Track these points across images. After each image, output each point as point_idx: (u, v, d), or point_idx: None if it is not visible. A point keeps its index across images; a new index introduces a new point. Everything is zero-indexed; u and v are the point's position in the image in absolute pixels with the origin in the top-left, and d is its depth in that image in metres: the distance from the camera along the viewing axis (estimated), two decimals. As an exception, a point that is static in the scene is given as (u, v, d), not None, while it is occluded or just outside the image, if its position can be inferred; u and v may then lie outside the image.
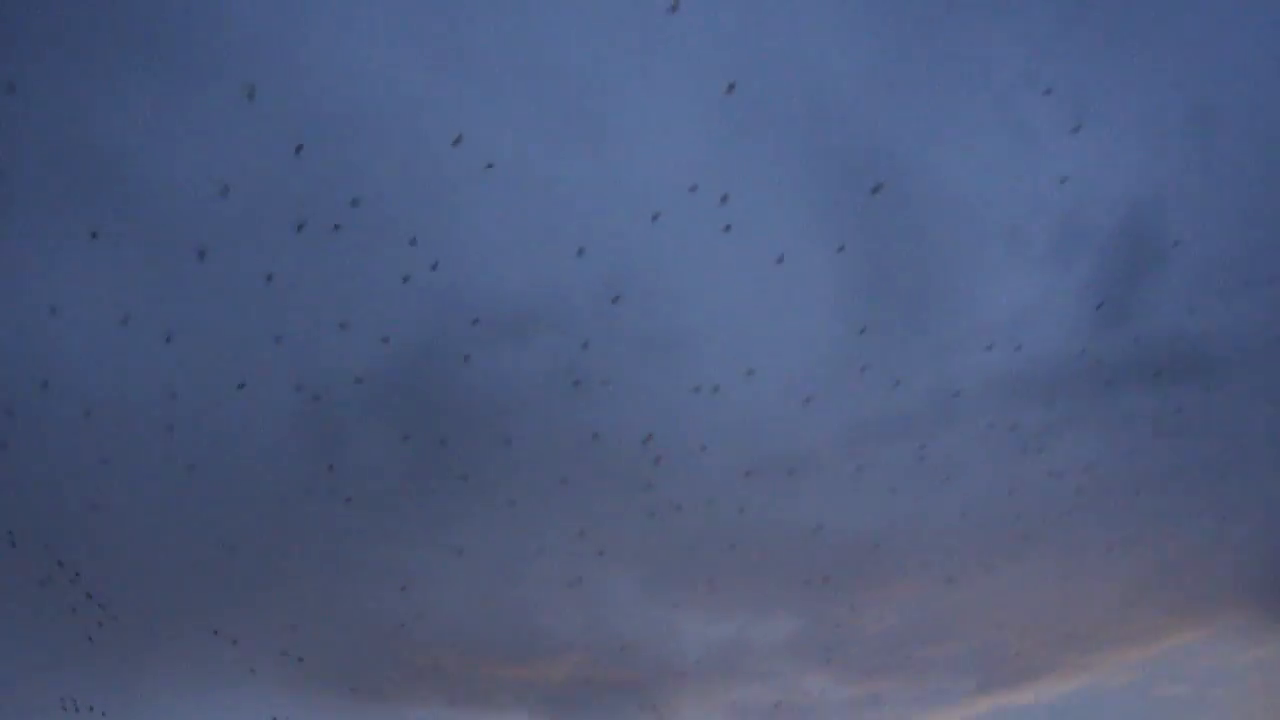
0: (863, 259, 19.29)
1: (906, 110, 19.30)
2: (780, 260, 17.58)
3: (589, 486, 18.74)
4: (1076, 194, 19.95)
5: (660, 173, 17.56)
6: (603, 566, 19.52)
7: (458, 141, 15.61)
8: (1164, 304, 20.57)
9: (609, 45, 18.92)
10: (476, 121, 18.56)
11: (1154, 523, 21.70)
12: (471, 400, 18.01)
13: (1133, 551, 22.11)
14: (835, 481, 19.39)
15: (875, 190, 17.43)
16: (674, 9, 15.75)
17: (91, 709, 18.17)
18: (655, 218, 15.97)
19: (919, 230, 19.00)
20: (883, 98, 19.33)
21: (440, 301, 17.87)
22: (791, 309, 18.68)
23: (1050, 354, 20.03)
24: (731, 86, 16.97)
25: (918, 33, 19.73)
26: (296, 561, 18.33)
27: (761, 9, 19.21)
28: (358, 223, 18.35)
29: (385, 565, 18.77)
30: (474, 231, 17.95)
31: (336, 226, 18.12)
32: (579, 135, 19.07)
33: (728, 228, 16.07)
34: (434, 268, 17.20)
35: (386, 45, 18.67)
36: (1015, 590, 21.91)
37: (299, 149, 15.61)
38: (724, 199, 15.80)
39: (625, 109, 18.75)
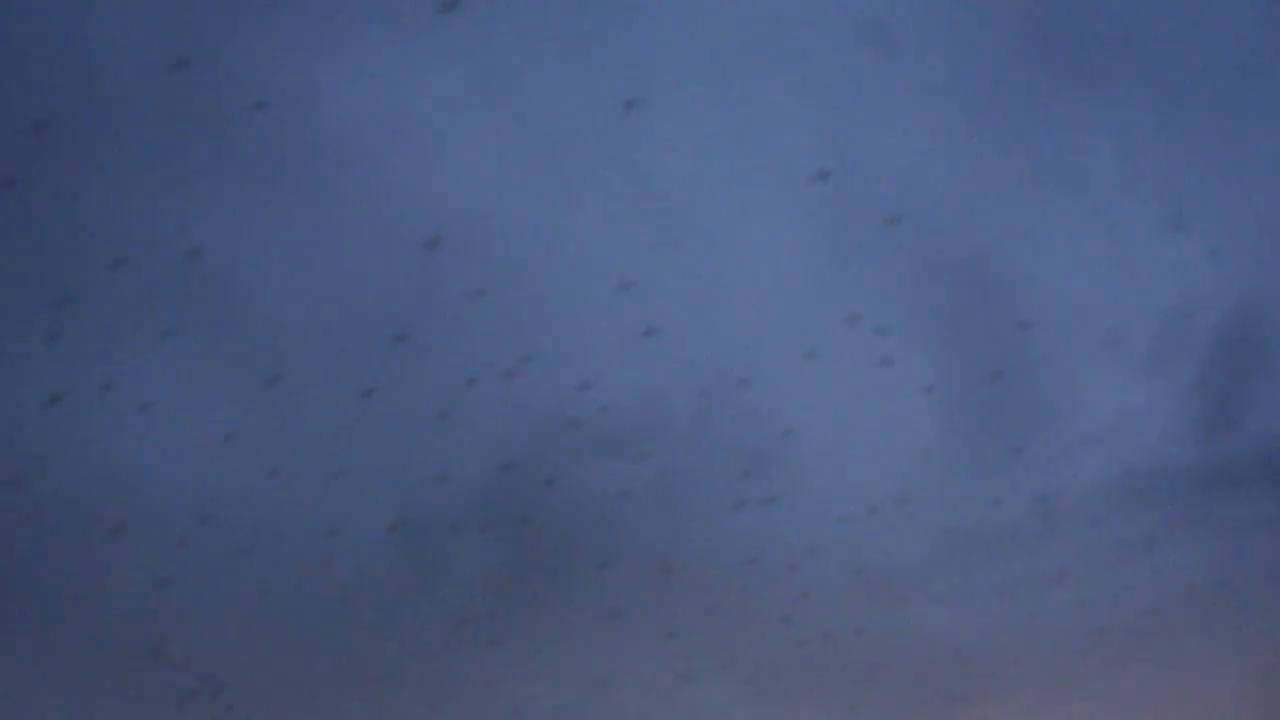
0: (961, 367, 19.10)
1: (1002, 216, 19.21)
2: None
3: (684, 597, 18.54)
4: (1178, 297, 19.67)
5: (754, 291, 17.59)
6: (699, 678, 19.21)
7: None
8: (1271, 407, 20.11)
9: (699, 156, 19.09)
10: (574, 240, 18.77)
11: (1258, 634, 21.01)
12: (572, 514, 17.97)
13: (1242, 659, 21.40)
14: (936, 594, 19.04)
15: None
16: None
17: None
18: (807, 357, 15.93)
19: (1019, 340, 18.76)
20: (978, 204, 19.26)
21: (539, 417, 17.90)
22: (890, 420, 18.48)
23: (1153, 461, 19.60)
24: (824, 174, 16.90)
25: (1011, 137, 19.71)
26: (398, 683, 18.23)
27: (852, 118, 19.30)
28: (454, 341, 18.51)
29: (486, 685, 18.62)
30: (572, 348, 18.00)
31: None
32: (670, 243, 19.16)
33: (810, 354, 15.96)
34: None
35: (478, 162, 18.96)
36: (1120, 706, 21.25)
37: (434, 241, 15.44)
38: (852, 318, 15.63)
39: (716, 218, 18.84)
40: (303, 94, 18.07)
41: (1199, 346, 19.82)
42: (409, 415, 18.29)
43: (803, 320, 18.34)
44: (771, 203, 18.68)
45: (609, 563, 17.91)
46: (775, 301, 18.07)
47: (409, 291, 19.01)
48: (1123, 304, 19.60)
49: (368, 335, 18.81)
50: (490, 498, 18.39)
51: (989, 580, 19.28)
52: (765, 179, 18.84)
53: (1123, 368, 19.32)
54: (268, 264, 18.75)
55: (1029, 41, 19.52)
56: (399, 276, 19.17)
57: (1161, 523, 19.90)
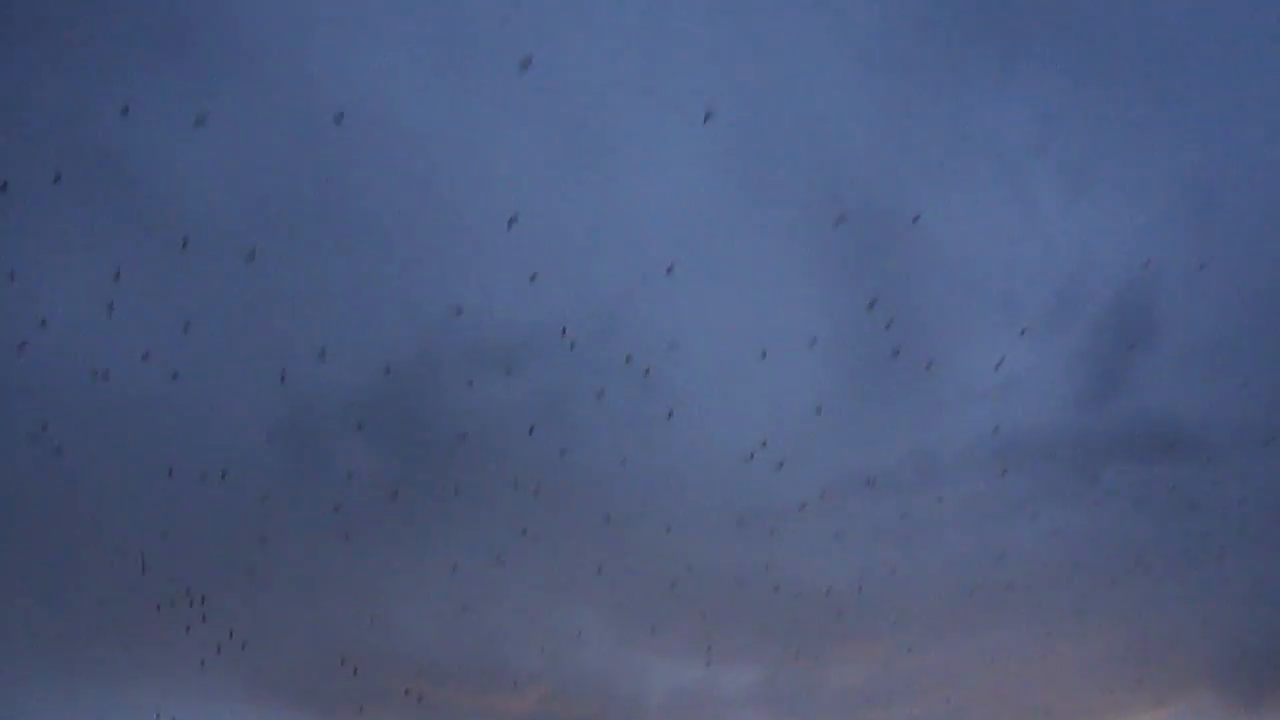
0: (855, 314, 19.58)
1: (911, 170, 19.67)
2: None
3: (564, 519, 18.92)
4: (1073, 264, 20.37)
5: (662, 221, 17.88)
6: (573, 602, 19.70)
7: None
8: (1153, 381, 20.94)
9: (621, 80, 19.22)
10: (484, 148, 18.84)
11: (1129, 599, 21.99)
12: (460, 425, 18.21)
13: (1105, 626, 22.39)
14: (812, 537, 19.65)
15: (839, 220, 17.56)
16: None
17: None
18: (669, 270, 16.16)
19: (915, 289, 19.33)
20: (888, 156, 19.70)
21: (430, 325, 18.08)
22: (779, 359, 18.93)
23: (1037, 424, 20.37)
24: (707, 116, 16.92)
25: (929, 96, 20.14)
26: (274, 568, 18.43)
27: (777, 60, 19.57)
28: (356, 238, 18.58)
29: (361, 582, 18.91)
30: (472, 258, 18.17)
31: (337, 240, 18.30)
32: (583, 164, 19.34)
33: (669, 269, 16.14)
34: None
35: (396, 61, 18.92)
36: (985, 658, 22.15)
37: (339, 118, 15.35)
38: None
39: (631, 144, 19.03)
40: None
41: (1090, 315, 20.57)
42: (298, 300, 18.38)
43: (701, 257, 18.72)
44: (684, 137, 18.95)
45: (488, 476, 18.22)
46: (676, 234, 18.40)
47: (314, 184, 19.01)
48: (1020, 267, 20.27)
49: (268, 215, 18.82)
50: (373, 399, 18.60)
51: (865, 526, 19.95)
52: (677, 110, 19.08)
53: (1013, 329, 20.00)
54: (183, 150, 18.68)
55: (954, 5, 19.92)
56: (306, 169, 19.15)
57: (1040, 485, 20.74)
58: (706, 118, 15.36)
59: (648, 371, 17.96)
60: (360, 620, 18.91)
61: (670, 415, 17.59)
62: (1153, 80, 21.18)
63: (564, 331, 17.86)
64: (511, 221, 15.30)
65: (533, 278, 16.10)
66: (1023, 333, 19.07)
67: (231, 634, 18.62)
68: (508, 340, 17.86)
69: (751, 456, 17.94)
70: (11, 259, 18.21)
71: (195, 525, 17.97)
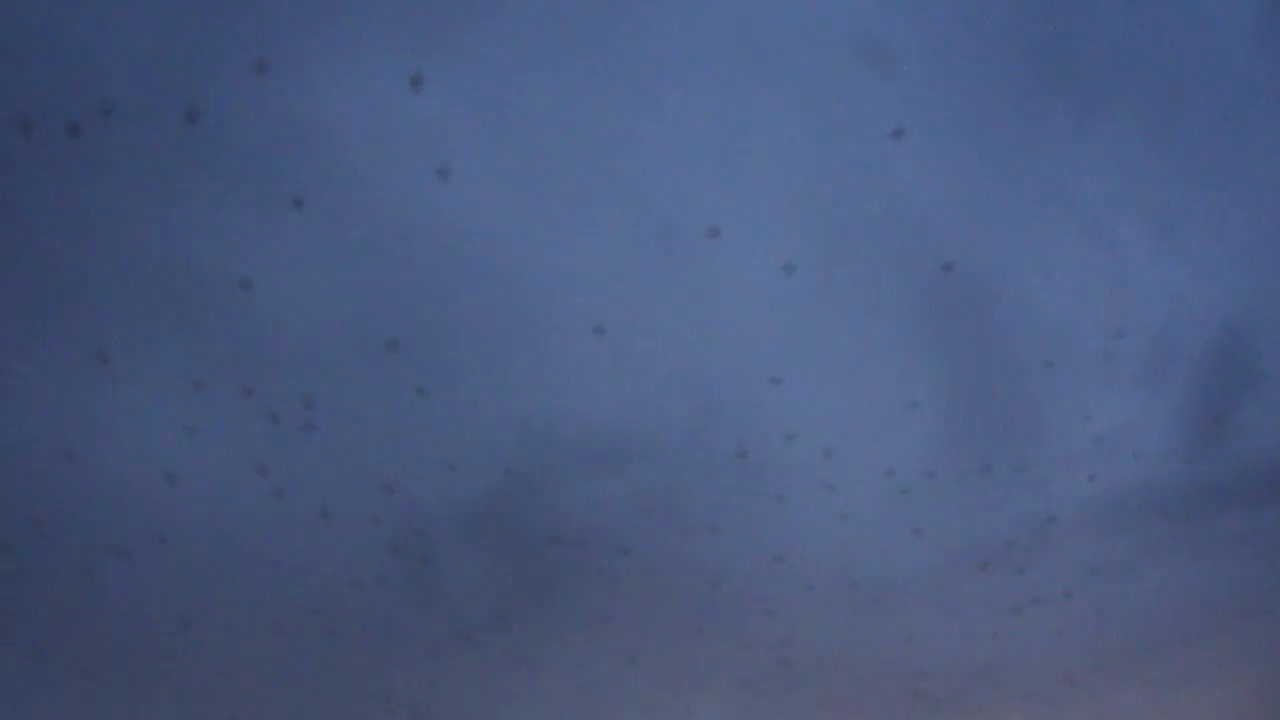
0: (951, 383, 19.63)
1: (993, 235, 19.75)
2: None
3: (676, 610, 19.02)
4: (1167, 315, 20.23)
5: (754, 306, 18.10)
6: (694, 692, 19.71)
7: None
8: (1260, 424, 20.68)
9: (694, 174, 19.60)
10: (564, 250, 19.27)
11: (1246, 648, 21.55)
12: (569, 529, 18.45)
13: (1224, 678, 21.94)
14: (925, 610, 19.55)
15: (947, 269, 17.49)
16: None
17: None
18: (797, 373, 16.34)
19: (1009, 357, 19.32)
20: (969, 221, 19.79)
21: (531, 434, 18.39)
22: (880, 435, 19.01)
23: (1142, 480, 20.15)
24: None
25: (1003, 154, 20.24)
26: (389, 697, 18.68)
27: (847, 136, 19.85)
28: (447, 355, 19.00)
29: (479, 705, 19.09)
30: (565, 363, 18.51)
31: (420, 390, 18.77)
32: (665, 263, 19.69)
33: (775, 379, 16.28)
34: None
35: (475, 175, 19.48)
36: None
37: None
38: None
39: (718, 240, 19.36)
40: (307, 106, 18.62)
41: (1188, 365, 20.39)
42: (398, 431, 18.81)
43: (792, 336, 18.89)
44: (763, 218, 19.23)
45: (602, 577, 18.40)
46: (764, 317, 18.61)
47: (401, 305, 19.54)
48: (1112, 321, 20.16)
49: (365, 352, 19.34)
50: (481, 512, 18.88)
51: (977, 597, 19.79)
52: (758, 194, 19.40)
53: (1113, 386, 19.86)
54: (273, 279, 19.27)
55: (1021, 60, 20.04)
56: (392, 289, 19.69)
57: (1151, 542, 20.44)
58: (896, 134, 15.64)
59: (746, 455, 18.17)
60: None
61: (781, 498, 17.74)
62: (1229, 122, 21.17)
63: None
64: (599, 332, 15.62)
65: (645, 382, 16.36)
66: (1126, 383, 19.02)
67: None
68: (611, 443, 18.13)
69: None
70: (107, 387, 18.91)
71: (300, 658, 18.32)
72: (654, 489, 18.83)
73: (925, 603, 19.26)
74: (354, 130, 19.70)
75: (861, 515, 18.62)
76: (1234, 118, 21.19)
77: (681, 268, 19.59)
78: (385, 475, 19.18)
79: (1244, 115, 21.17)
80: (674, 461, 18.51)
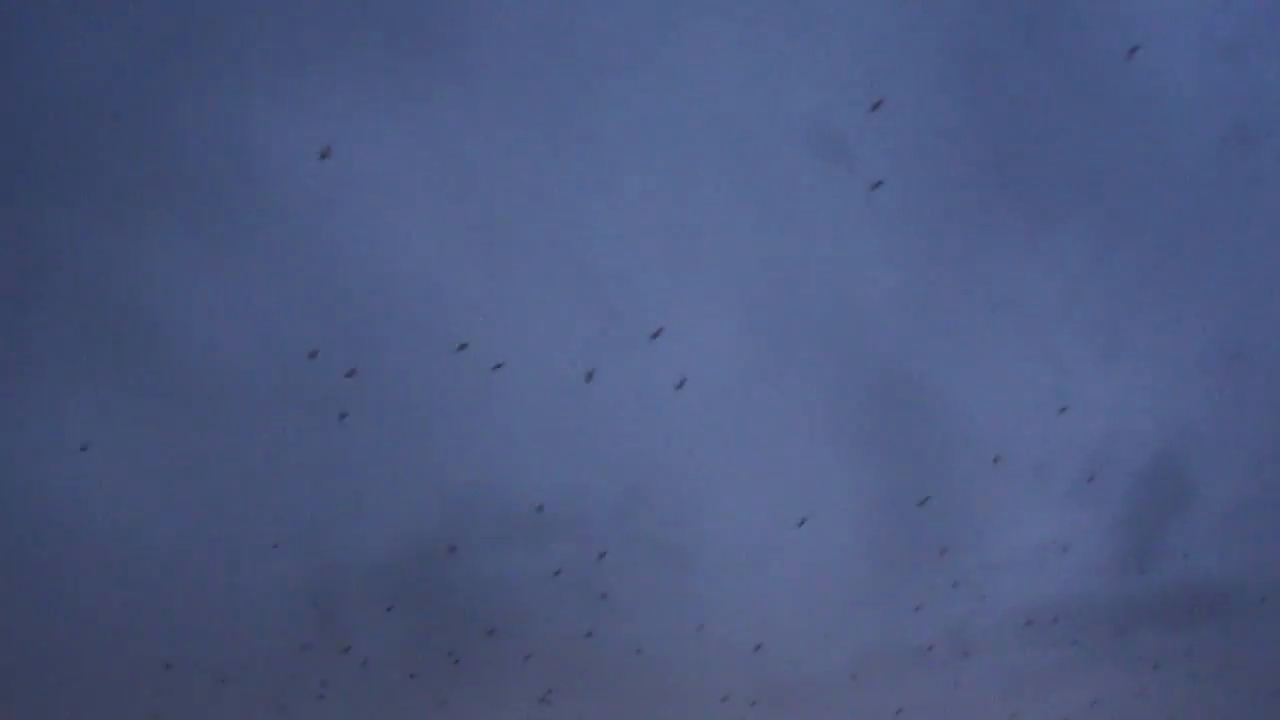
0: (885, 483, 19.80)
1: (941, 337, 20.08)
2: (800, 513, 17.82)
3: (588, 697, 18.80)
4: (1104, 431, 20.61)
5: (690, 392, 18.19)
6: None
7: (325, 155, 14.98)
8: (1188, 545, 21.02)
9: (646, 255, 19.79)
10: (506, 318, 19.28)
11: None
12: (478, 597, 18.26)
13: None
14: (841, 713, 19.47)
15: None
16: None
17: None
18: (734, 463, 16.25)
19: (947, 462, 19.54)
20: (916, 324, 20.13)
21: (457, 498, 18.25)
22: (811, 534, 19.06)
23: (1072, 593, 20.37)
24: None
25: (955, 259, 20.68)
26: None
27: (800, 229, 20.16)
28: (378, 407, 18.85)
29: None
30: (496, 429, 18.43)
31: (343, 415, 18.57)
32: (611, 339, 19.77)
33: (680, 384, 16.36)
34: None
35: (422, 232, 19.49)
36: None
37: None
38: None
39: (657, 319, 19.49)
40: (260, 145, 18.56)
41: (1124, 482, 20.75)
42: (326, 483, 18.56)
43: (732, 426, 18.98)
44: (710, 303, 19.40)
45: (518, 650, 18.19)
46: (705, 405, 18.69)
47: (340, 354, 19.38)
48: (1052, 434, 20.49)
49: (296, 396, 19.13)
50: (397, 574, 18.63)
51: (900, 701, 19.77)
52: (707, 279, 19.59)
53: (1048, 498, 20.16)
54: (210, 314, 19.09)
55: (980, 169, 20.57)
56: (332, 338, 19.54)
57: (1077, 655, 20.63)
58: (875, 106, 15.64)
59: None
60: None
61: (703, 591, 17.68)
62: (1180, 242, 21.75)
63: (540, 509, 17.98)
64: (535, 405, 15.63)
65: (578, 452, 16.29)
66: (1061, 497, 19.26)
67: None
68: (536, 518, 18.02)
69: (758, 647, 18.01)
70: (30, 406, 18.48)
71: (206, 696, 17.87)
72: (576, 566, 18.71)
73: (843, 706, 19.21)
74: (306, 177, 19.63)
75: (785, 609, 18.61)
76: (1184, 240, 21.78)
77: (624, 352, 19.63)
78: (304, 524, 18.87)
79: (1194, 238, 21.77)
80: (598, 541, 18.42)
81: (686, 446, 18.87)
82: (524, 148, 19.19)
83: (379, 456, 19.09)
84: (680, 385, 15.89)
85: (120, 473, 18.79)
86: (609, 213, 19.45)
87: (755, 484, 19.26)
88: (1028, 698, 20.99)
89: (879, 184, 17.37)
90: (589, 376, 17.39)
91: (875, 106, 16.30)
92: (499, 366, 17.54)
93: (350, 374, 18.15)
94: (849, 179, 20.64)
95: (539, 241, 19.37)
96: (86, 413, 18.63)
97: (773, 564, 19.35)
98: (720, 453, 19.03)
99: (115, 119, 17.68)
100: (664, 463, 19.14)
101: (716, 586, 19.28)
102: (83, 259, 18.46)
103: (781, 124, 20.03)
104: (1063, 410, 20.04)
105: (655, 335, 16.95)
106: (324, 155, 12.69)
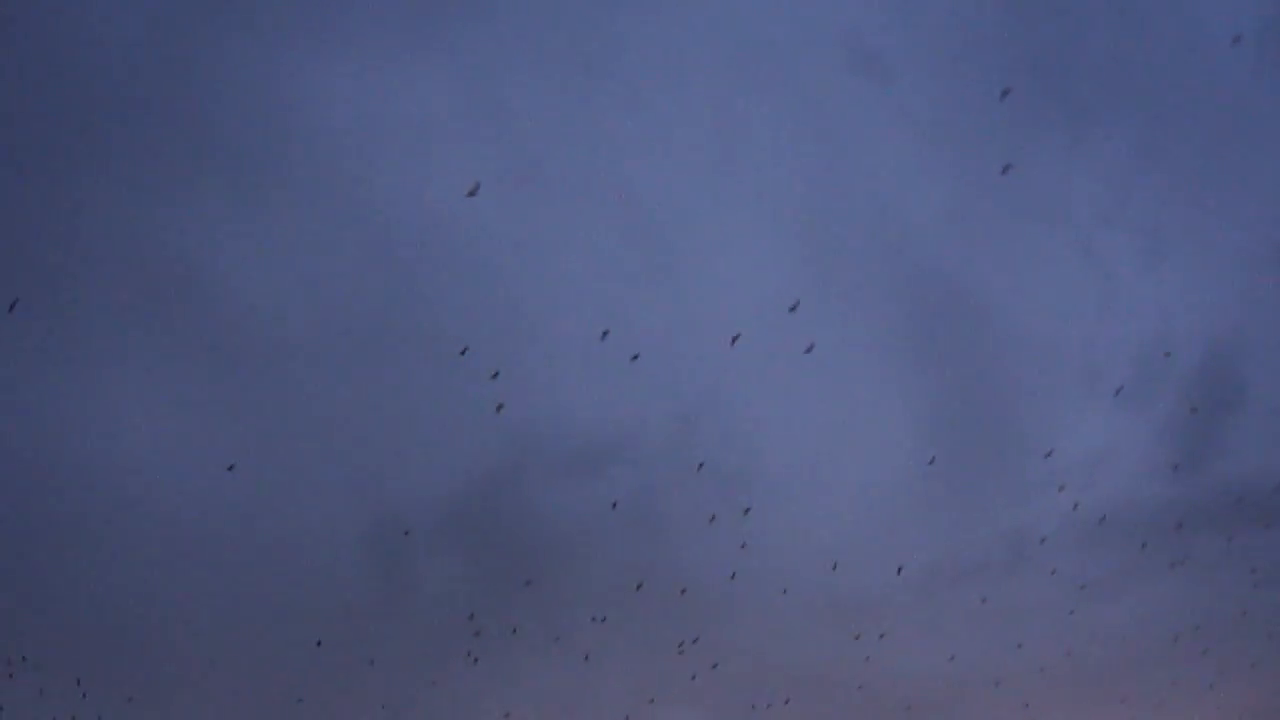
0: (938, 396, 19.92)
1: (984, 248, 20.08)
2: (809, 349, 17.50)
3: (653, 620, 19.20)
4: (1155, 333, 20.59)
5: (735, 307, 18.34)
6: (666, 701, 19.89)
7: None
8: (1243, 445, 21.04)
9: (686, 180, 19.85)
10: (554, 252, 19.47)
11: (1224, 670, 21.87)
12: (541, 531, 18.65)
13: (1204, 699, 22.27)
14: (904, 625, 19.79)
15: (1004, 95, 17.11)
16: None
17: None
18: (734, 340, 16.20)
19: (995, 369, 19.64)
20: (960, 235, 20.13)
21: (514, 434, 18.58)
22: (864, 450, 19.27)
23: (1125, 497, 20.47)
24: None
25: (995, 169, 20.58)
26: (355, 690, 18.78)
27: (840, 146, 20.14)
28: (432, 352, 19.15)
29: (451, 704, 19.21)
30: (549, 365, 18.69)
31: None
32: (655, 267, 19.92)
33: (811, 347, 16.36)
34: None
35: (464, 175, 19.62)
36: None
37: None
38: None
39: (701, 243, 19.60)
40: (294, 100, 18.70)
41: (1174, 384, 20.76)
42: (383, 426, 18.93)
43: (782, 348, 19.10)
44: (755, 228, 19.47)
45: (581, 581, 18.60)
46: (756, 328, 18.83)
47: (388, 301, 19.64)
48: (1100, 339, 20.51)
49: (348, 345, 19.46)
50: (464, 513, 19.05)
51: (960, 611, 20.04)
52: (748, 204, 19.65)
53: (1098, 403, 20.20)
54: (252, 271, 19.36)
55: (1016, 76, 20.37)
56: (380, 285, 19.80)
57: (1133, 561, 20.74)
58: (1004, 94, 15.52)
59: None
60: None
61: (747, 511, 17.92)
62: (1222, 142, 21.51)
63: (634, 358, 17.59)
64: (605, 334, 15.76)
65: (634, 358, 16.27)
66: (1117, 393, 19.21)
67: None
68: (591, 446, 18.36)
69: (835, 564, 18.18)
70: (85, 377, 18.89)
71: (278, 649, 18.41)
72: (631, 494, 19.04)
73: (902, 618, 19.52)
74: (340, 128, 19.76)
75: (841, 528, 18.86)
76: (1226, 135, 21.54)
77: (671, 278, 19.73)
78: (362, 469, 19.23)
79: (1236, 133, 21.52)
80: (651, 468, 18.71)
81: (739, 371, 19.04)
82: (556, 79, 19.24)
83: (432, 400, 19.41)
84: (734, 340, 15.93)
85: (175, 433, 19.18)
86: (646, 138, 19.51)
87: (809, 404, 19.45)
88: (1083, 606, 21.21)
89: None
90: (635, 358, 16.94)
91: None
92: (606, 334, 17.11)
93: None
94: (887, 94, 20.60)
95: (580, 173, 19.46)
96: (137, 376, 19.03)
97: (830, 483, 19.61)
98: (772, 376, 19.17)
99: (146, 84, 17.88)
100: (717, 389, 19.35)
101: (773, 512, 19.54)
102: (125, 226, 18.76)
103: (815, 40, 19.96)
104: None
105: (702, 248, 17.05)
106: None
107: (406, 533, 18.80)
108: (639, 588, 18.13)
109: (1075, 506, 19.95)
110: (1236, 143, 21.44)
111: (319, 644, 17.05)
